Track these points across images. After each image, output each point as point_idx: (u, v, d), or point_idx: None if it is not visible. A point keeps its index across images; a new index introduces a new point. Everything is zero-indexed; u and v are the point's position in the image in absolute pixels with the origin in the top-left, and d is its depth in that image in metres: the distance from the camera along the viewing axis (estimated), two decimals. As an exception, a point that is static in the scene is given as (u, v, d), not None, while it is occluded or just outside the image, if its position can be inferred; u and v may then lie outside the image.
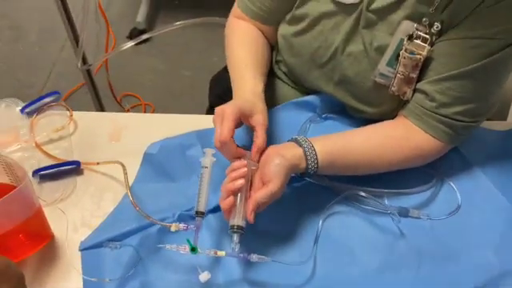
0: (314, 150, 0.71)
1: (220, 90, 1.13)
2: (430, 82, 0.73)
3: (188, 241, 0.65)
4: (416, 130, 0.76)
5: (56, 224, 0.74)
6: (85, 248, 0.71)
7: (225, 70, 1.16)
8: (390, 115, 0.81)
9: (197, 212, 0.68)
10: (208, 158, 0.69)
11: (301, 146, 0.71)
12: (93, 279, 0.67)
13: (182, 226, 0.68)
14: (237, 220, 0.66)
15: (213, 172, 0.70)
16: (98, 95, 1.39)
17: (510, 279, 0.69)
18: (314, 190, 0.77)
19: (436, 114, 0.74)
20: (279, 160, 0.68)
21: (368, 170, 0.77)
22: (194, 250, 0.65)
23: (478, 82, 0.71)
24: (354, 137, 0.77)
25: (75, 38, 1.15)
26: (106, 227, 0.73)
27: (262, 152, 0.71)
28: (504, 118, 1.04)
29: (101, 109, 1.51)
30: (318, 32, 0.80)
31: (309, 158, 0.70)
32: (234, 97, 0.78)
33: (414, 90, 0.76)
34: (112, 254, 0.70)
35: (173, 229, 0.67)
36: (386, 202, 0.77)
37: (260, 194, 0.66)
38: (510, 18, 0.67)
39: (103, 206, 0.77)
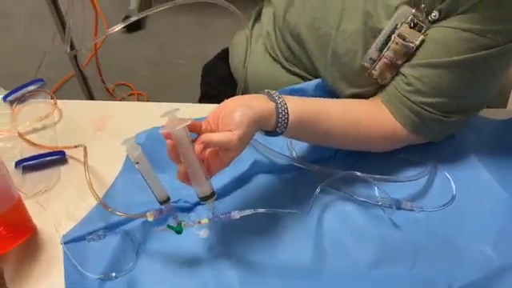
0: (287, 108, 0.66)
1: (212, 79, 1.11)
2: (411, 66, 0.72)
3: (169, 226, 0.64)
4: (386, 111, 0.74)
5: (39, 217, 0.71)
6: (67, 241, 0.68)
7: (217, 57, 1.14)
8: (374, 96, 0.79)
9: (160, 202, 0.65)
10: (135, 153, 0.61)
11: (273, 100, 0.66)
12: (74, 274, 0.65)
13: (156, 213, 0.65)
14: (200, 189, 0.62)
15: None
16: (87, 84, 1.36)
17: (509, 274, 0.67)
18: (304, 179, 0.75)
19: (407, 99, 0.72)
20: (246, 110, 0.61)
21: (337, 142, 0.75)
22: (178, 231, 0.64)
23: (456, 76, 0.69)
24: (330, 107, 0.73)
25: (62, 24, 1.12)
26: (90, 220, 0.71)
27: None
28: (504, 105, 1.02)
29: (91, 99, 1.48)
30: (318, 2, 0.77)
31: (280, 114, 0.65)
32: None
33: (395, 74, 0.74)
34: (96, 247, 0.68)
35: (149, 218, 0.65)
36: (377, 193, 0.74)
37: (215, 134, 0.60)
38: (503, 19, 0.66)
39: (88, 198, 0.74)
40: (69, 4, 0.85)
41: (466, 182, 0.76)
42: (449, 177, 0.77)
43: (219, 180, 0.72)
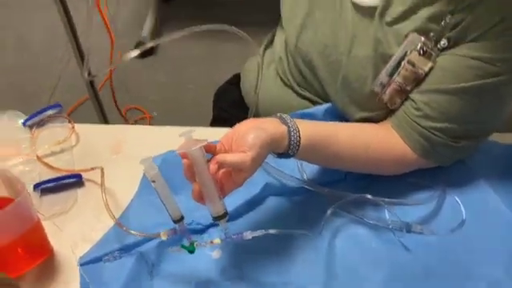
0: (299, 131, 0.68)
1: (224, 103, 1.14)
2: (420, 92, 0.73)
3: (182, 245, 0.65)
4: (396, 136, 0.76)
5: (55, 238, 0.73)
6: (83, 263, 0.69)
7: (228, 83, 1.17)
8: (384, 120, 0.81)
9: (174, 221, 0.66)
10: (152, 171, 0.64)
11: (285, 123, 0.68)
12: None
13: (169, 232, 0.67)
14: (213, 208, 0.63)
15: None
16: (102, 108, 1.40)
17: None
18: (315, 202, 0.76)
19: (417, 123, 0.73)
20: (259, 132, 0.63)
21: (347, 165, 0.76)
22: (191, 250, 0.65)
23: (464, 103, 0.71)
24: (340, 131, 0.75)
25: (78, 49, 1.16)
26: (106, 241, 0.72)
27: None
28: (512, 129, 1.02)
29: (105, 122, 1.51)
30: (329, 29, 0.79)
31: (292, 137, 0.67)
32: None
33: (404, 99, 0.76)
34: (111, 268, 0.69)
35: (163, 237, 0.67)
36: (387, 216, 0.75)
37: (229, 155, 0.62)
38: (511, 48, 0.67)
39: (103, 220, 0.76)
40: (87, 31, 0.88)
41: (476, 206, 0.77)
42: (458, 201, 0.78)
43: (231, 202, 0.73)
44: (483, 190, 0.79)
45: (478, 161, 0.82)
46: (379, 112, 0.80)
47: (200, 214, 0.73)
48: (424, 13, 0.70)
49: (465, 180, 0.80)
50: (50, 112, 0.91)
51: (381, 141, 0.76)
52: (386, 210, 0.76)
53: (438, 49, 0.71)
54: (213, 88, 1.17)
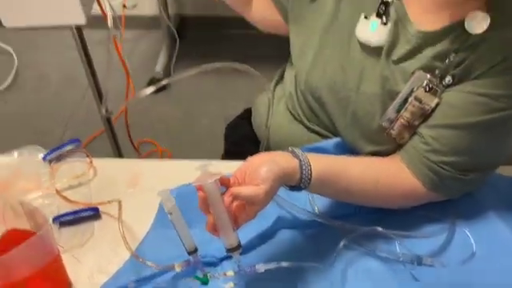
0: (310, 165, 0.70)
1: (236, 137, 1.16)
2: (428, 127, 0.75)
3: (195, 277, 0.67)
4: (405, 170, 0.77)
5: (73, 270, 0.75)
6: (101, 295, 0.71)
7: (239, 117, 1.20)
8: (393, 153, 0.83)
9: (189, 253, 0.68)
10: (170, 204, 0.67)
11: (297, 157, 0.70)
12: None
13: (184, 264, 0.69)
14: (227, 240, 0.65)
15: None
16: (116, 142, 1.43)
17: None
18: (327, 235, 0.77)
19: (426, 158, 0.75)
20: (272, 166, 0.66)
21: (357, 199, 0.78)
22: (204, 282, 0.67)
23: (473, 137, 0.73)
24: (350, 165, 0.77)
25: (97, 87, 1.20)
26: (122, 273, 0.74)
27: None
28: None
29: (119, 154, 1.55)
30: (338, 67, 0.82)
31: (304, 171, 0.69)
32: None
33: (412, 134, 0.78)
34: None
35: (177, 268, 0.68)
36: (398, 249, 0.76)
37: (243, 188, 0.64)
38: None
39: (120, 252, 0.78)
40: (107, 73, 0.93)
41: (486, 239, 0.78)
42: (468, 233, 0.79)
43: (245, 235, 0.75)
44: (492, 222, 0.80)
45: (486, 193, 0.83)
46: (388, 146, 0.82)
47: (214, 247, 0.75)
48: (429, 52, 0.73)
49: (474, 213, 0.82)
50: (69, 147, 0.94)
51: (390, 175, 0.78)
52: (396, 243, 0.77)
53: (444, 85, 0.73)
54: (224, 122, 1.20)
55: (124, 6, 1.66)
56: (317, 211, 0.82)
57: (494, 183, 0.84)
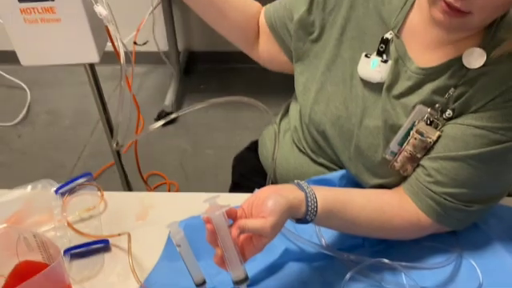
0: (316, 198, 0.71)
1: (243, 169, 1.18)
2: (430, 159, 0.77)
3: None
4: (410, 201, 0.79)
5: (83, 302, 0.76)
6: (110, 327, 0.72)
7: (247, 149, 1.22)
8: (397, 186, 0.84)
9: (197, 285, 0.69)
10: (178, 236, 0.68)
11: (303, 190, 0.71)
12: None
13: None
14: (235, 272, 0.66)
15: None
16: (125, 174, 1.46)
17: None
18: (333, 267, 0.78)
19: (429, 189, 0.77)
20: (278, 199, 0.67)
21: (363, 231, 0.79)
22: None
23: (473, 169, 0.74)
24: (356, 198, 0.78)
25: (108, 122, 1.24)
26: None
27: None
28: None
29: (128, 187, 1.57)
30: (341, 102, 0.84)
31: (310, 203, 0.70)
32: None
33: (415, 166, 0.79)
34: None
35: None
36: (405, 280, 0.77)
37: (250, 220, 0.65)
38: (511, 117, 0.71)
39: (129, 284, 0.79)
40: (118, 108, 0.96)
41: (492, 270, 0.78)
42: (474, 264, 0.79)
43: (252, 267, 0.76)
44: (499, 253, 0.80)
45: (492, 224, 0.84)
46: (392, 178, 0.84)
47: (222, 279, 0.76)
48: (429, 87, 0.75)
49: (480, 244, 0.82)
50: (81, 180, 0.97)
51: (395, 206, 0.79)
52: (403, 275, 0.77)
53: (444, 118, 0.75)
54: (231, 154, 1.22)
55: (135, 43, 1.72)
56: (324, 243, 0.83)
57: (499, 214, 0.85)
